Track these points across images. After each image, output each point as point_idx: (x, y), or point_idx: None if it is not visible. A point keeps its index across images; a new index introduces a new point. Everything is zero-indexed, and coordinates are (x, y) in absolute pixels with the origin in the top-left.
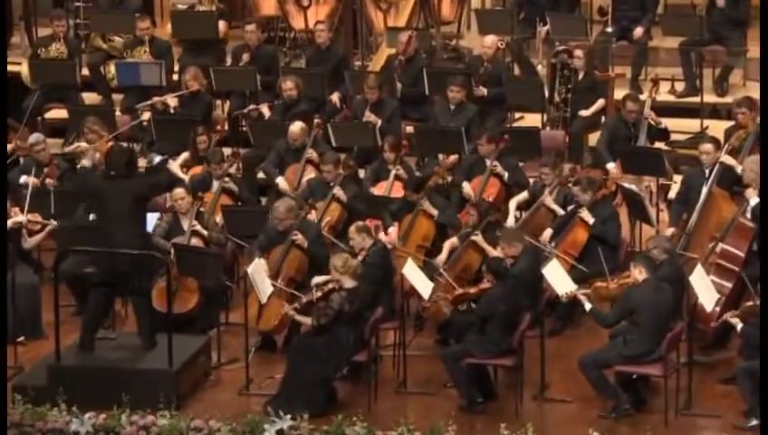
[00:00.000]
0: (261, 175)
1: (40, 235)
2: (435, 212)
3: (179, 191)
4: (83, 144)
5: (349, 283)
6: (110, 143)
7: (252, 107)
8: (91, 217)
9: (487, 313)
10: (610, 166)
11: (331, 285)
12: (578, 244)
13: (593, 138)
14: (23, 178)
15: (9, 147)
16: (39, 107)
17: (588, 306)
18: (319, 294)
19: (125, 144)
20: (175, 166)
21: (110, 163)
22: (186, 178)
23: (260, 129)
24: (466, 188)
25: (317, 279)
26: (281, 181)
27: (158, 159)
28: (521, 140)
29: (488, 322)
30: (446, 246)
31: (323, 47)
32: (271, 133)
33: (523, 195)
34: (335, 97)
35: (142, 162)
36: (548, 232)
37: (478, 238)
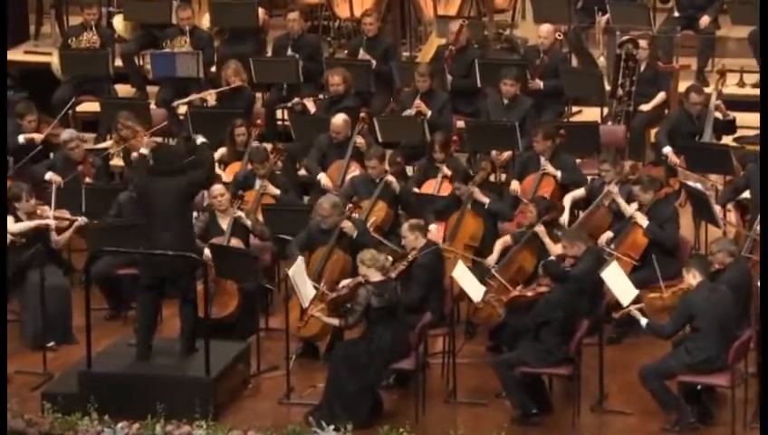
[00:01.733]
0: (303, 172)
1: (68, 232)
2: (486, 200)
3: (218, 188)
4: (109, 142)
5: (376, 277)
6: (150, 139)
7: (296, 100)
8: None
9: (544, 318)
10: (667, 150)
11: (357, 280)
12: (638, 246)
13: (655, 133)
14: (48, 175)
15: (38, 136)
16: (69, 100)
17: (643, 322)
18: (345, 290)
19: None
20: None
21: (158, 159)
22: (224, 175)
23: (302, 122)
24: (514, 185)
25: (342, 283)
26: (322, 178)
27: (200, 139)
28: (578, 135)
29: (544, 328)
30: (498, 245)
31: (371, 38)
32: (313, 127)
33: (580, 192)
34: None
35: None
36: (607, 235)
37: (540, 229)
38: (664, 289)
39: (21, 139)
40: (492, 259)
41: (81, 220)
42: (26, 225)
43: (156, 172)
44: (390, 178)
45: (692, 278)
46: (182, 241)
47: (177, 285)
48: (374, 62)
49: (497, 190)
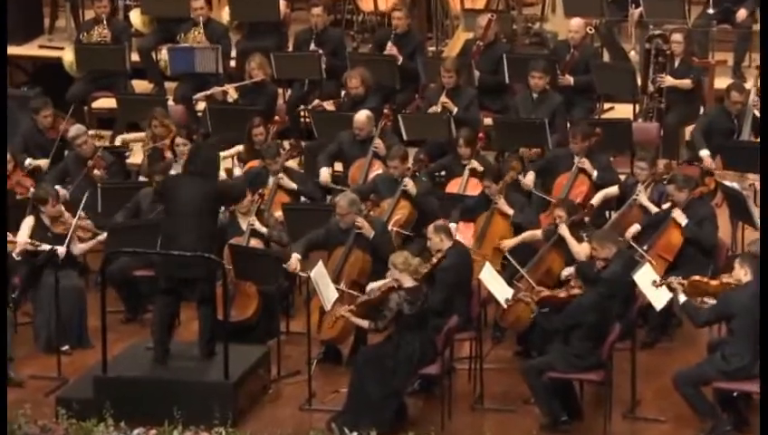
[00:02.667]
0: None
1: (89, 243)
2: (510, 211)
3: None
4: (141, 134)
5: (409, 282)
6: (180, 138)
7: (316, 102)
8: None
9: (574, 321)
10: (704, 153)
11: (389, 284)
12: (672, 247)
13: (690, 131)
14: (58, 188)
15: (60, 127)
16: (84, 95)
17: (682, 299)
18: (377, 294)
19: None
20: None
21: (192, 158)
22: (225, 176)
23: (324, 120)
24: (529, 177)
25: (372, 285)
26: (324, 173)
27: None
28: (611, 133)
29: (574, 332)
30: (524, 235)
31: (400, 33)
32: (336, 124)
33: (613, 189)
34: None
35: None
36: (635, 227)
37: (563, 229)
38: (710, 278)
39: (27, 162)
40: (508, 243)
41: (102, 237)
42: (42, 248)
43: (189, 171)
44: (408, 181)
45: (743, 274)
46: (203, 244)
47: (195, 287)
48: (401, 58)
49: (526, 193)
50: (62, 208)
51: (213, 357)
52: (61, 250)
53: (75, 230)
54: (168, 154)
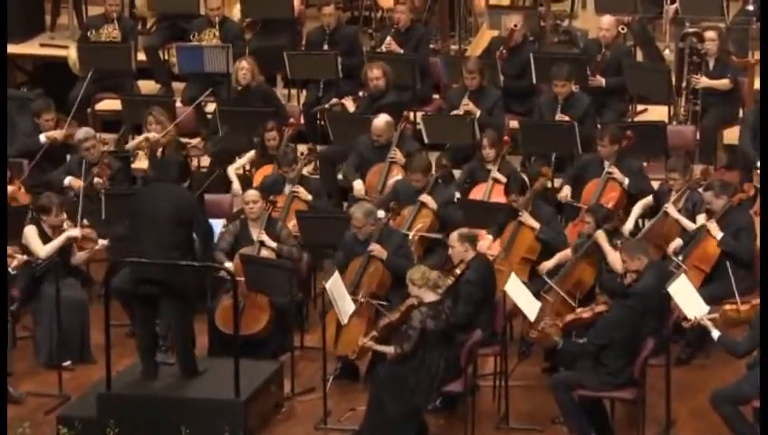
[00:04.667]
0: (341, 176)
1: (87, 251)
2: (536, 225)
3: (252, 193)
4: (140, 138)
5: (430, 296)
6: (166, 142)
7: (334, 101)
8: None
9: (604, 341)
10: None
11: (409, 302)
12: (709, 257)
13: (728, 134)
14: (67, 180)
15: (59, 134)
16: (88, 97)
17: (715, 334)
18: (397, 315)
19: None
20: (231, 170)
21: (161, 165)
22: (237, 185)
23: (340, 123)
24: (565, 191)
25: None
26: (358, 185)
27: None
28: (644, 136)
29: (605, 350)
30: (557, 256)
31: (402, 29)
32: (353, 128)
33: (649, 200)
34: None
35: (205, 161)
36: (677, 242)
37: (600, 235)
38: (740, 303)
39: (43, 138)
40: (545, 265)
41: (101, 245)
42: (54, 246)
43: (154, 179)
44: (425, 197)
45: None
46: (170, 252)
47: (166, 296)
48: (401, 51)
49: (553, 202)
50: (65, 218)
51: (195, 376)
52: (74, 254)
53: (77, 239)
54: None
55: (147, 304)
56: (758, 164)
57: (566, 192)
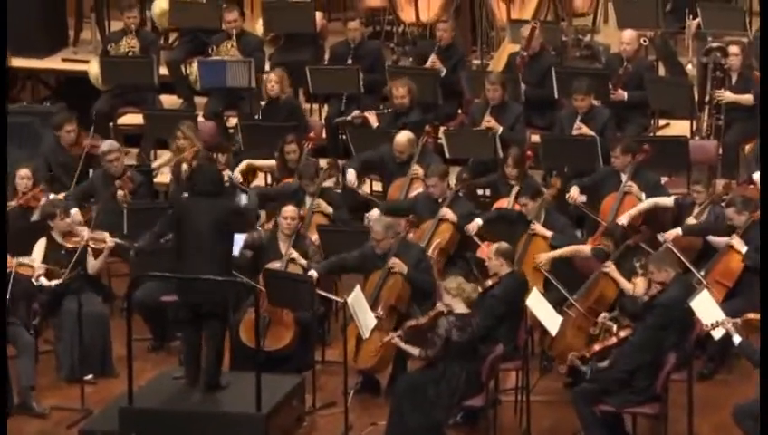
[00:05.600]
0: (364, 190)
1: (101, 257)
2: (548, 234)
3: (291, 209)
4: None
5: (461, 308)
6: (196, 158)
7: (356, 113)
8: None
9: (633, 365)
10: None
11: (439, 307)
12: (732, 272)
13: (750, 149)
14: (73, 212)
15: (85, 143)
16: (110, 111)
17: (737, 339)
18: (424, 319)
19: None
20: (236, 173)
21: (195, 179)
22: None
23: (362, 137)
24: (573, 192)
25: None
26: (349, 174)
27: (244, 200)
28: (666, 150)
29: (635, 374)
30: (565, 249)
31: (444, 46)
32: (374, 142)
33: (667, 200)
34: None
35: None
36: (677, 230)
37: (610, 269)
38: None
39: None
40: (545, 256)
41: (111, 241)
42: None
43: (195, 192)
44: (445, 211)
45: None
46: (212, 267)
47: (208, 314)
48: (444, 71)
49: (572, 212)
50: (71, 221)
51: (218, 390)
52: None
53: (87, 242)
54: (184, 167)
55: (193, 317)
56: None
57: (574, 193)
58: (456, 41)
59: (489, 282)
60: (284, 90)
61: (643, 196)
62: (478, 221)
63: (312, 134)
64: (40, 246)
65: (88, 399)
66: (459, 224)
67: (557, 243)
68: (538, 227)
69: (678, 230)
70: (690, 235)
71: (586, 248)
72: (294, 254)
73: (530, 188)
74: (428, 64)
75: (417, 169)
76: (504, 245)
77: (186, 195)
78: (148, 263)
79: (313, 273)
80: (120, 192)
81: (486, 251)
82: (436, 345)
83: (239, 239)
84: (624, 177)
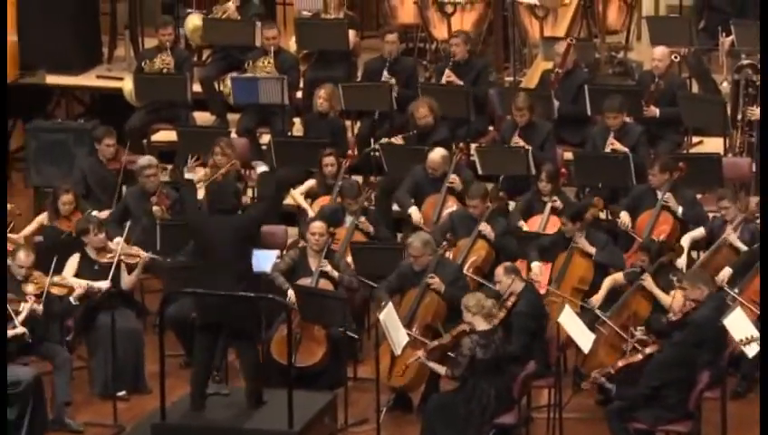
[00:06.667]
0: (396, 207)
1: (135, 272)
2: (592, 250)
3: (318, 225)
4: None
5: (482, 325)
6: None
7: (384, 140)
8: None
9: (657, 382)
10: None
11: (461, 327)
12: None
13: None
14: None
15: (123, 159)
16: (143, 128)
17: None
18: (448, 338)
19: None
20: (297, 193)
21: (213, 196)
22: (310, 209)
23: (395, 154)
24: (624, 218)
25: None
26: (414, 212)
27: (261, 168)
28: (699, 168)
29: (662, 389)
30: (607, 283)
31: (460, 62)
32: (407, 159)
33: (699, 232)
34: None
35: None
36: (726, 271)
37: (647, 282)
38: None
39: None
40: (597, 299)
41: (145, 256)
42: (77, 290)
43: (214, 211)
44: (485, 226)
45: None
46: (238, 282)
47: (234, 327)
48: (460, 83)
49: (608, 230)
50: (105, 237)
51: (261, 405)
52: (104, 285)
53: (119, 257)
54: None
55: (209, 334)
56: None
57: (625, 219)
58: (475, 55)
59: (509, 302)
60: (333, 106)
61: (680, 210)
62: (536, 264)
63: (349, 152)
64: (73, 262)
65: (121, 415)
66: (495, 242)
67: (601, 259)
68: (582, 242)
69: (727, 272)
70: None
71: (619, 277)
72: (328, 267)
73: (571, 209)
74: (443, 81)
75: (454, 178)
76: (507, 264)
77: (203, 211)
78: (181, 279)
79: (387, 300)
80: (156, 208)
81: (521, 268)
82: (461, 365)
83: (271, 256)
84: (660, 194)
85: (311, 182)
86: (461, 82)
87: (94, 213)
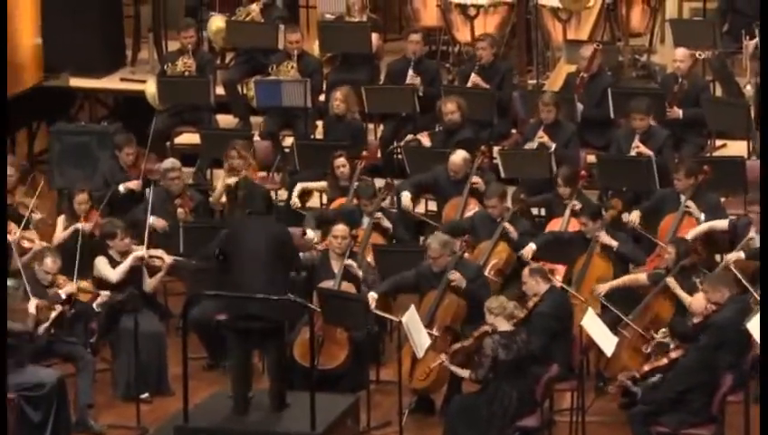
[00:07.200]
0: (418, 209)
1: (159, 274)
2: (614, 243)
3: (342, 228)
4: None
5: (504, 326)
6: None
7: (410, 137)
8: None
9: (683, 386)
10: None
11: (483, 328)
12: None
13: None
14: (151, 220)
15: (137, 185)
16: (166, 130)
17: None
18: (470, 340)
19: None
20: (294, 199)
21: (248, 199)
22: (299, 203)
23: (417, 156)
24: (633, 216)
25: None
26: (405, 197)
27: (310, 233)
28: (723, 171)
29: (687, 394)
30: (625, 278)
31: (486, 65)
32: (429, 161)
33: (722, 223)
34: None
35: (283, 194)
36: (736, 254)
37: (671, 281)
38: None
39: (122, 188)
40: (603, 287)
41: (169, 259)
42: (124, 267)
43: (249, 212)
44: (508, 226)
45: None
46: (270, 286)
47: (263, 330)
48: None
49: (629, 232)
50: (130, 241)
51: (285, 408)
52: (145, 280)
53: (144, 259)
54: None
55: (246, 338)
56: None
57: (634, 216)
58: (500, 58)
59: (531, 303)
60: (350, 108)
61: (702, 216)
62: (532, 246)
63: (365, 153)
64: (104, 263)
65: (144, 417)
66: (516, 244)
67: (623, 250)
68: (603, 236)
69: (741, 253)
70: (752, 259)
71: (642, 277)
72: (353, 264)
73: (590, 208)
74: (469, 84)
75: (477, 180)
76: (534, 265)
77: (239, 215)
78: (204, 282)
79: (373, 295)
80: (180, 210)
81: None
82: (483, 366)
83: None
84: (683, 198)
85: (322, 183)
86: (487, 86)
87: (122, 187)
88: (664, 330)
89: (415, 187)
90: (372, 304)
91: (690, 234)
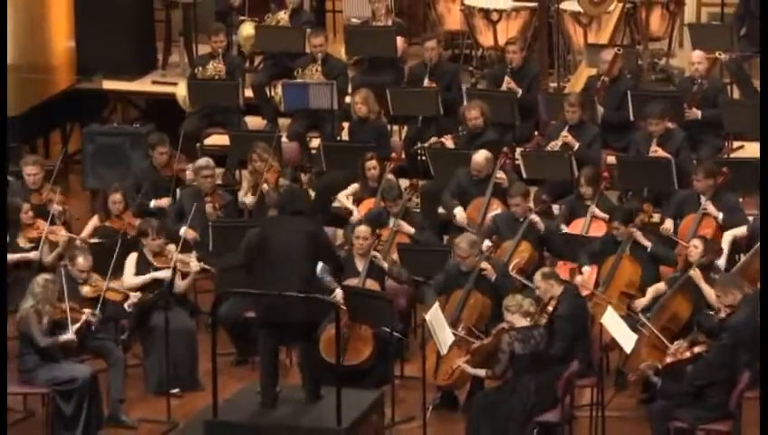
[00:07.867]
0: (441, 209)
1: (188, 278)
2: (648, 243)
3: (364, 230)
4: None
5: (521, 322)
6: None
7: (434, 140)
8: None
9: (705, 381)
10: None
11: (501, 326)
12: None
13: None
14: (182, 231)
15: (166, 202)
16: (197, 132)
17: None
18: (488, 339)
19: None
20: (342, 196)
21: (287, 199)
22: (356, 210)
23: (441, 158)
24: (668, 224)
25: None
26: (459, 213)
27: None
28: (740, 172)
29: (707, 389)
30: (651, 291)
31: (516, 68)
32: (453, 163)
33: (741, 230)
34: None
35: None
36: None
37: (695, 273)
38: None
39: (152, 205)
40: (640, 303)
41: (196, 266)
42: (140, 281)
43: (286, 212)
44: (535, 217)
45: None
46: (305, 286)
47: (295, 327)
48: (519, 91)
49: (658, 235)
50: (163, 242)
51: (321, 401)
52: (176, 283)
53: (175, 264)
54: (265, 187)
55: (274, 334)
56: None
57: (668, 225)
58: (529, 61)
59: (549, 307)
60: (371, 109)
61: (720, 216)
62: (586, 268)
63: (393, 155)
64: (131, 262)
65: (174, 412)
66: (545, 238)
67: (656, 250)
68: (639, 237)
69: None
70: None
71: (661, 285)
72: (378, 255)
73: (621, 213)
74: (504, 87)
75: (501, 175)
76: (545, 269)
77: (273, 214)
78: (234, 279)
79: (436, 302)
80: (209, 206)
81: (564, 270)
82: (501, 361)
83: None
84: (703, 199)
85: (355, 186)
86: (519, 90)
87: (153, 203)
88: (679, 342)
89: (455, 197)
90: (440, 311)
91: (722, 258)
